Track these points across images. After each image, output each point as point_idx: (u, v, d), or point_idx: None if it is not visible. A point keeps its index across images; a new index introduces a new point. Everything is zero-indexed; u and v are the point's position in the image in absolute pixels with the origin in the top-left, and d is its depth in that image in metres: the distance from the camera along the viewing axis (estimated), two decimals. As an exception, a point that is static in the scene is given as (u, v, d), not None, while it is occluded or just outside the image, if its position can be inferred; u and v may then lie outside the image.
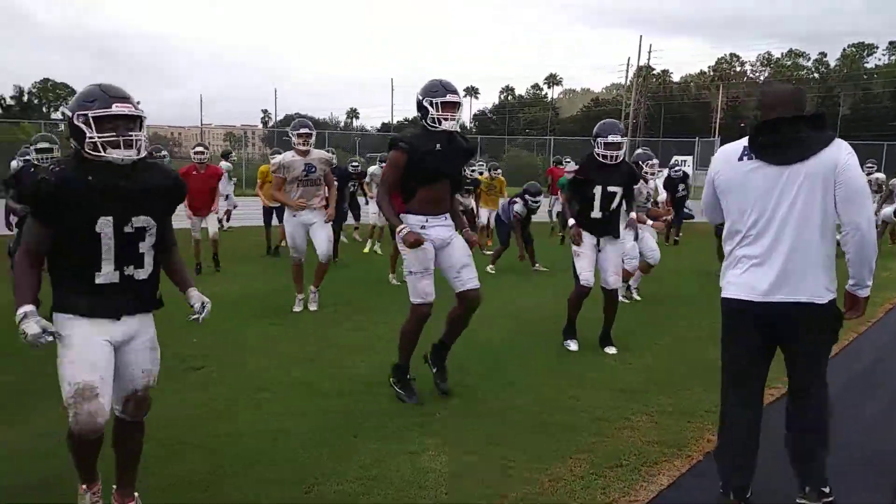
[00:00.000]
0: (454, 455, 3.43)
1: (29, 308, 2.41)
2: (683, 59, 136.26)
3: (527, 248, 9.47)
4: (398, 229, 3.96)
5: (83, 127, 2.46)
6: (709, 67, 74.04)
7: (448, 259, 4.18)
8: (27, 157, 7.74)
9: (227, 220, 13.57)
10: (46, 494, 2.96)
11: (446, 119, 4.02)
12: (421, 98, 4.11)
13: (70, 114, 2.49)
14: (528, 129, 62.30)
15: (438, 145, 4.05)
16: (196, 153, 8.73)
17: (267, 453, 3.44)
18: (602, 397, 4.31)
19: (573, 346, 5.41)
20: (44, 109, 52.90)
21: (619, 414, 4.02)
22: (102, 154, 2.46)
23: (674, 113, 60.12)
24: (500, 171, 11.88)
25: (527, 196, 9.27)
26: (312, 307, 6.69)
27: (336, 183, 7.03)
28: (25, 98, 53.07)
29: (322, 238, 6.52)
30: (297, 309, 6.65)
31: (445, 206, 4.20)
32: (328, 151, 6.99)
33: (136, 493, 2.80)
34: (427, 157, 4.03)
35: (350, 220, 11.93)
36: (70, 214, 2.45)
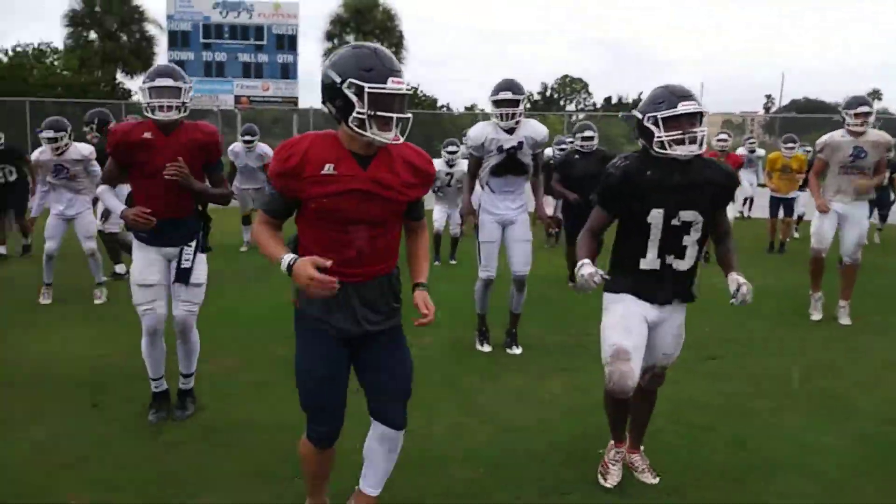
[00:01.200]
0: None
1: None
2: None
3: None
4: None
5: (652, 127, 2.64)
6: None
7: None
8: (562, 147, 8.86)
9: (749, 208, 13.07)
10: (595, 442, 3.35)
11: None
12: None
13: (640, 116, 2.70)
14: None
15: None
16: (718, 140, 8.97)
17: (788, 463, 3.23)
18: None
19: None
20: (560, 102, 59.62)
21: None
22: (668, 151, 2.61)
23: None
24: None
25: None
26: (844, 321, 5.76)
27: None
28: (548, 93, 60.74)
29: (852, 234, 5.61)
30: (815, 317, 5.88)
31: None
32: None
33: (641, 447, 3.07)
34: None
35: (874, 217, 10.27)
36: (628, 204, 2.70)
